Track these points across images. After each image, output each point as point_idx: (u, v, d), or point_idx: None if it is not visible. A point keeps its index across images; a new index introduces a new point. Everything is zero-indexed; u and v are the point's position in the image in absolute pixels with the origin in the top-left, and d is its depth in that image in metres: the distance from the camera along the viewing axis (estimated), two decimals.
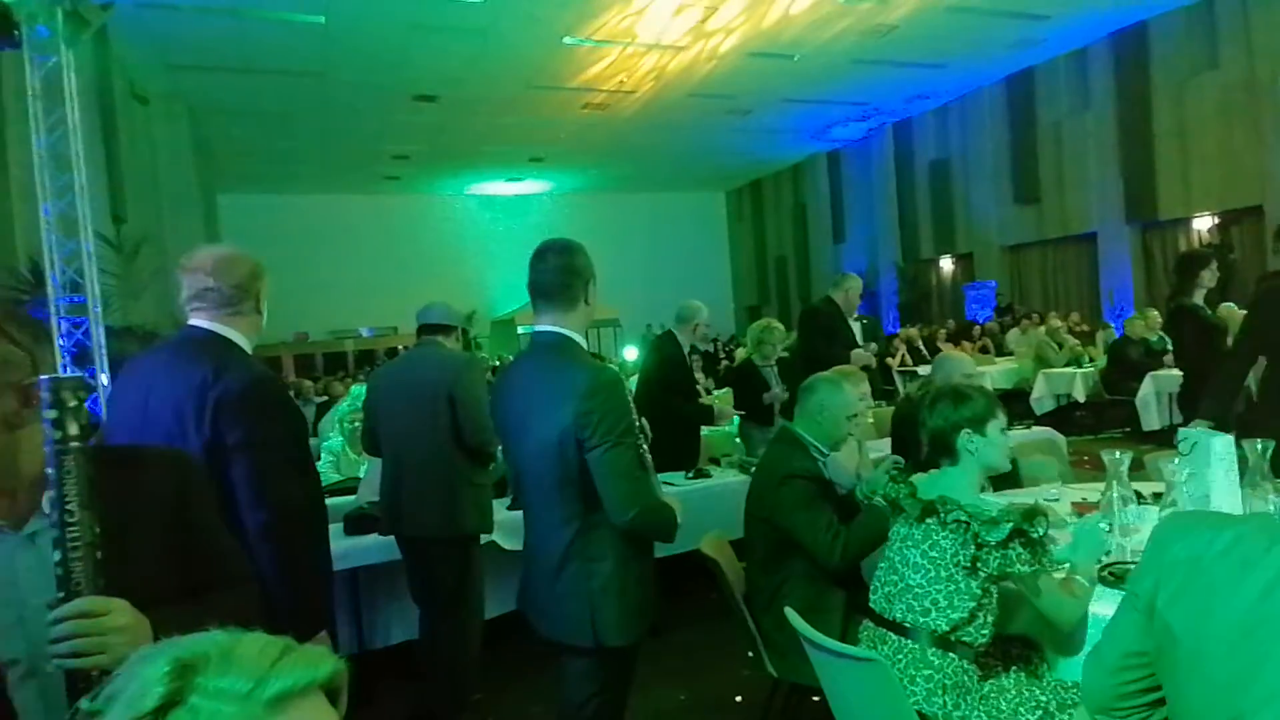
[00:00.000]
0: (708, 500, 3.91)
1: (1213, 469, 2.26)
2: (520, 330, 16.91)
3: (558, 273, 2.03)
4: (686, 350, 4.66)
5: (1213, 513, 1.38)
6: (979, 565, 1.81)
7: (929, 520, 1.91)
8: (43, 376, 1.03)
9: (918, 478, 2.06)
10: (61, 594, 1.01)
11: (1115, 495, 2.38)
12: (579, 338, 2.07)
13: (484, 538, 3.30)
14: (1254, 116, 10.05)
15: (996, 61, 12.78)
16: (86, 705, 0.57)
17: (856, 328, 5.34)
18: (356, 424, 4.13)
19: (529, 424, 2.02)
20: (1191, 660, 1.08)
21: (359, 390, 4.75)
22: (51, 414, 1.01)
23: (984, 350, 10.86)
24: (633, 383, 4.51)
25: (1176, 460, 2.38)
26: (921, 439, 2.11)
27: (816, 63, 11.77)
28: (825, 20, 10.21)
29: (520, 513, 2.23)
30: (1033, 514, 1.79)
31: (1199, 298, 4.11)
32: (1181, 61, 11.10)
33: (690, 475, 4.16)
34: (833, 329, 5.26)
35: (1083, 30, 11.67)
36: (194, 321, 1.88)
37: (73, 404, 1.02)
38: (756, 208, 21.36)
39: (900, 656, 1.90)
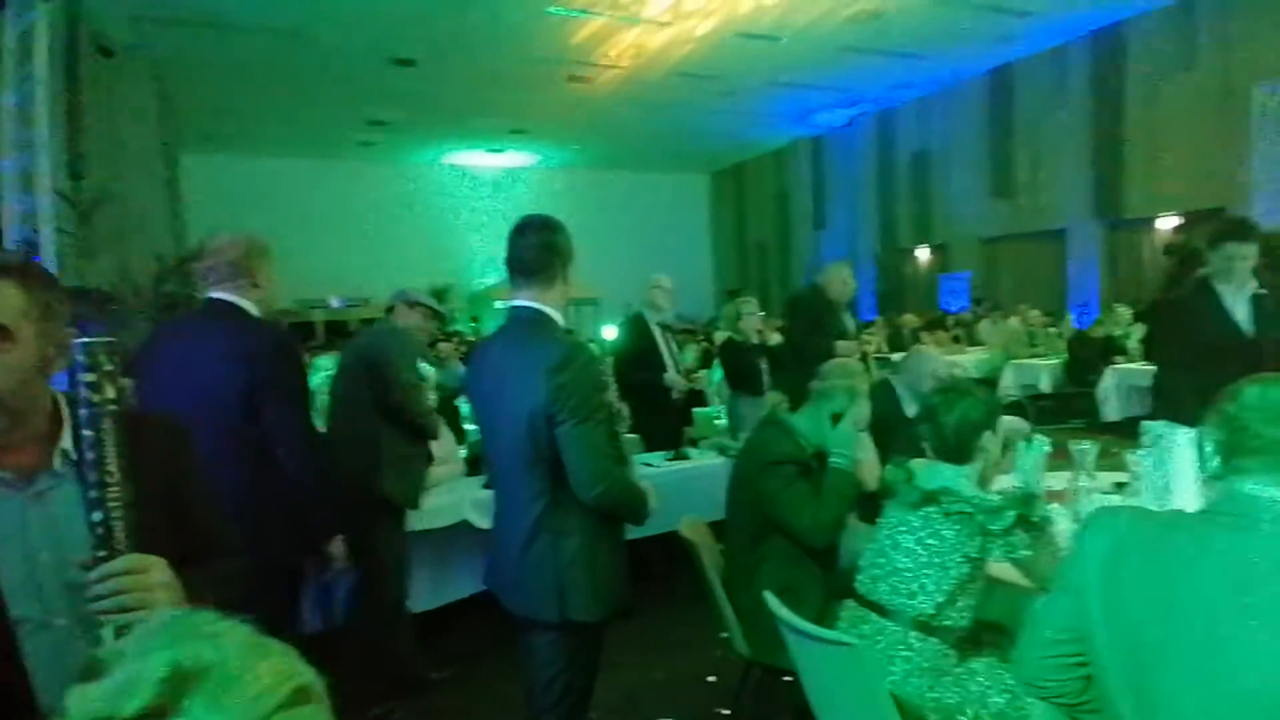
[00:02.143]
0: (687, 482, 3.96)
1: (1174, 460, 2.35)
2: (497, 305, 16.81)
3: (538, 249, 2.03)
4: (656, 326, 4.72)
5: (1140, 509, 1.48)
6: (985, 554, 1.87)
7: (929, 508, 1.94)
8: (78, 339, 1.05)
9: (916, 464, 2.08)
10: (103, 553, 1.03)
11: (1081, 485, 2.47)
12: (556, 314, 2.07)
13: (456, 519, 3.32)
14: (1225, 120, 10.26)
15: (978, 55, 12.86)
16: (97, 653, 0.57)
17: (850, 318, 5.35)
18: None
19: (501, 399, 2.03)
20: (1111, 641, 1.17)
21: (324, 362, 4.65)
22: (89, 377, 1.02)
23: (956, 340, 11.03)
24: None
25: (1140, 451, 2.48)
26: (926, 431, 2.08)
27: (803, 46, 11.75)
28: (812, 2, 10.19)
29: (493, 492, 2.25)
30: (1030, 499, 1.87)
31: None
32: (1157, 62, 11.28)
33: (670, 457, 4.21)
34: (818, 318, 5.30)
35: (1062, 27, 11.78)
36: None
37: (109, 367, 1.03)
38: (739, 191, 21.35)
39: (880, 638, 1.95)
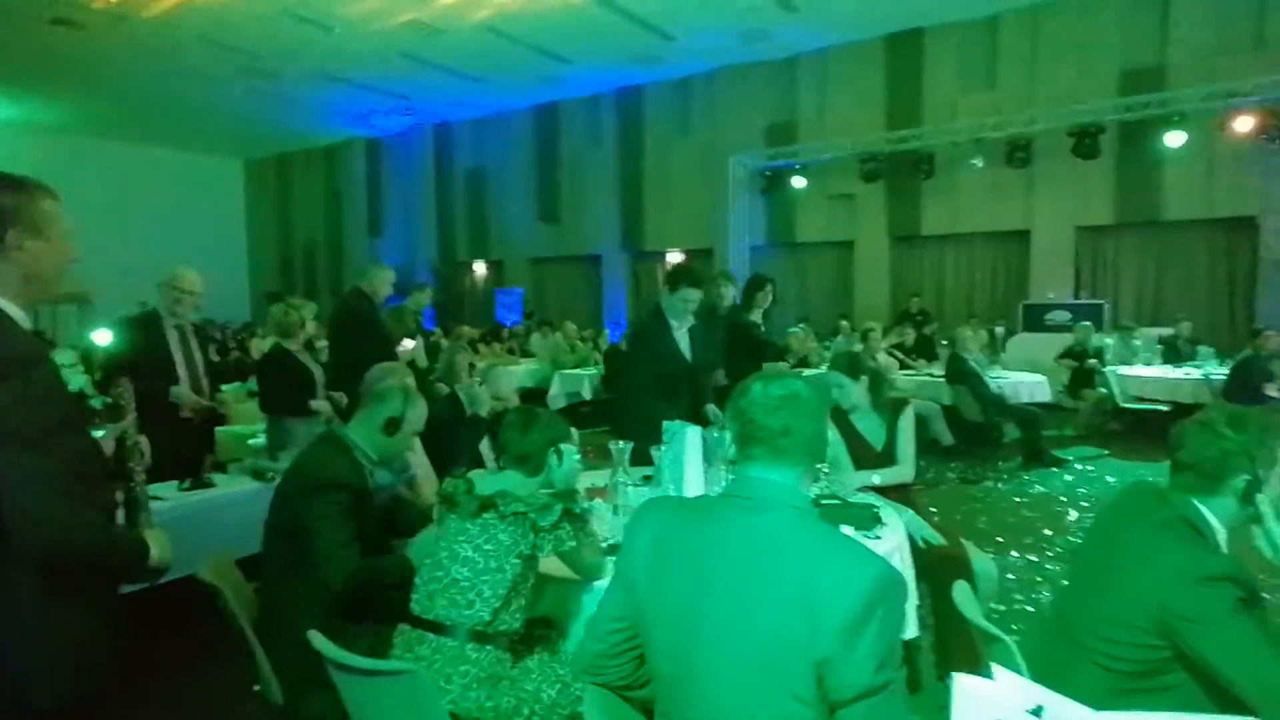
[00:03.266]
0: (210, 514, 3.38)
1: (688, 454, 2.77)
2: None
3: None
4: (174, 330, 3.98)
5: (678, 498, 1.69)
6: (536, 550, 1.93)
7: (486, 515, 1.94)
8: None
9: (477, 473, 2.09)
10: None
11: (618, 480, 2.75)
12: (13, 310, 1.53)
13: None
14: (712, 179, 12.84)
15: (528, 89, 13.93)
16: None
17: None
18: None
19: None
20: (657, 622, 1.30)
21: None
22: None
23: (511, 351, 11.67)
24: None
25: (662, 447, 2.88)
26: (502, 441, 2.16)
27: (358, 43, 11.26)
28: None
29: None
30: (572, 494, 2.02)
31: (757, 316, 4.91)
32: (665, 124, 13.70)
33: (186, 486, 3.52)
34: (367, 323, 5.04)
35: (596, 79, 13.47)
36: None
37: None
38: (283, 185, 19.45)
39: (437, 656, 1.88)
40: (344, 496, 2.30)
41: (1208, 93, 9.03)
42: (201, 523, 3.31)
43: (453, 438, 3.66)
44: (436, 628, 1.91)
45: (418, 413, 2.56)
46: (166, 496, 3.35)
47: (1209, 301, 9.94)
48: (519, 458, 2.12)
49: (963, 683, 0.98)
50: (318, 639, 1.78)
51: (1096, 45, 10.02)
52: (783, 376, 1.38)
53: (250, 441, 4.50)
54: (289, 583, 2.30)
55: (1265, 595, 3.61)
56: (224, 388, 4.63)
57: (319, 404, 4.33)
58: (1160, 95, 9.37)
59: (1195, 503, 1.56)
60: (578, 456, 2.29)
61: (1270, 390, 6.38)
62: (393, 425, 2.49)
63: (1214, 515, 1.54)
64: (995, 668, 1.02)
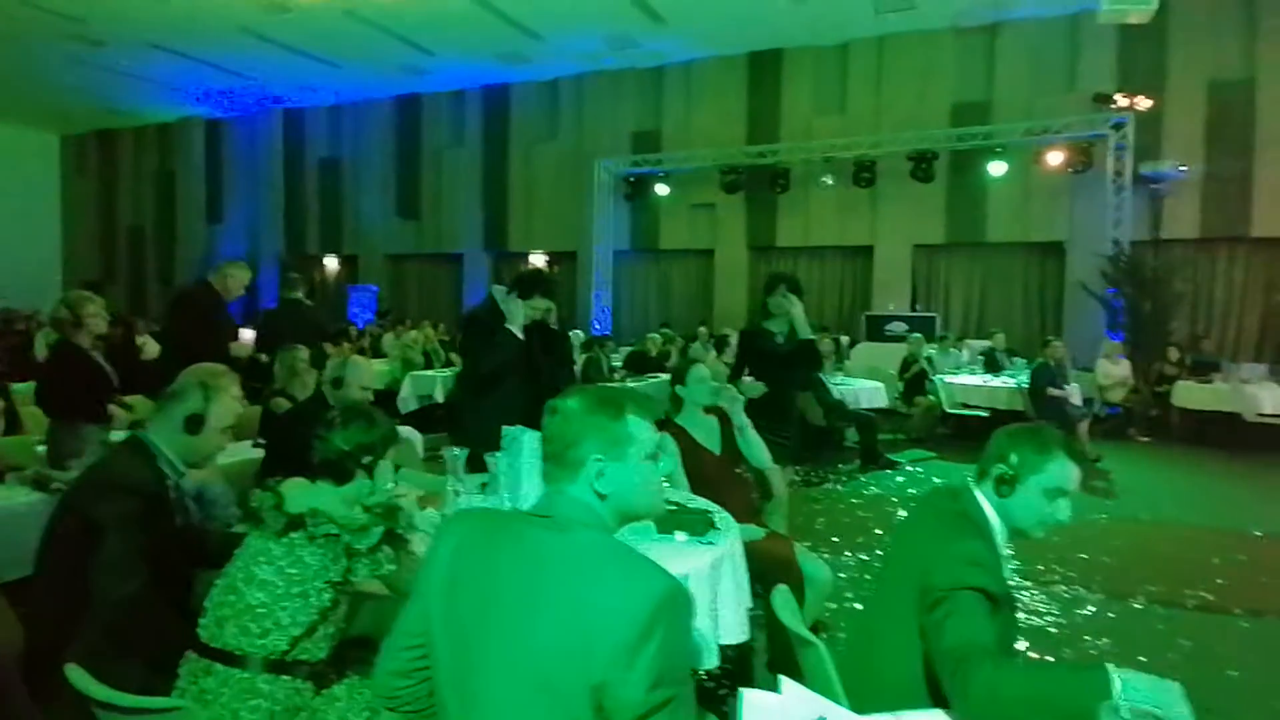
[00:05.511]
0: None
1: (524, 459, 2.69)
2: None
3: None
4: None
5: (486, 509, 1.59)
6: (350, 576, 1.76)
7: (294, 535, 1.76)
8: None
9: (290, 484, 1.87)
10: None
11: (450, 487, 2.64)
12: None
13: None
14: (577, 183, 12.81)
15: (389, 79, 13.34)
16: None
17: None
18: None
19: None
20: (445, 640, 1.22)
21: None
22: None
23: (361, 352, 11.10)
24: None
25: (498, 453, 2.78)
26: (316, 446, 1.95)
27: (196, 16, 10.36)
28: None
29: None
30: (394, 512, 1.84)
31: (777, 325, 4.34)
32: (531, 126, 13.54)
33: None
34: (210, 318, 4.75)
35: (462, 75, 13.11)
36: None
37: None
38: (106, 164, 17.58)
39: (225, 689, 1.69)
40: (134, 501, 2.03)
41: (1025, 127, 10.01)
42: None
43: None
44: (226, 657, 1.72)
45: (224, 407, 2.29)
46: None
47: (1024, 317, 11.03)
48: (325, 463, 1.93)
49: (750, 697, 0.97)
50: (75, 673, 1.56)
51: (933, 78, 10.86)
52: (580, 390, 1.34)
53: (39, 448, 3.97)
54: (62, 602, 2.01)
55: (1065, 589, 3.96)
56: (14, 387, 4.08)
57: (116, 408, 3.88)
58: (985, 128, 10.29)
59: (977, 497, 1.67)
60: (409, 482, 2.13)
61: (1054, 391, 7.13)
62: (194, 423, 2.22)
63: (994, 511, 1.66)
64: (783, 680, 1.01)
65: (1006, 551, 1.66)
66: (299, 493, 1.88)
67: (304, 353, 4.21)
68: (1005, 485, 1.63)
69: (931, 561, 1.52)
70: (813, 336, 4.13)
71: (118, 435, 3.71)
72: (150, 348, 6.46)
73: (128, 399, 4.08)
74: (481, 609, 1.17)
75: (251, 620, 1.71)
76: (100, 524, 1.95)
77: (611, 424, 1.27)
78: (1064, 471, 1.62)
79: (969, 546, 1.53)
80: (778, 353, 4.09)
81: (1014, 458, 1.63)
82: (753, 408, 3.48)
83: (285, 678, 1.72)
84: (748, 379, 4.12)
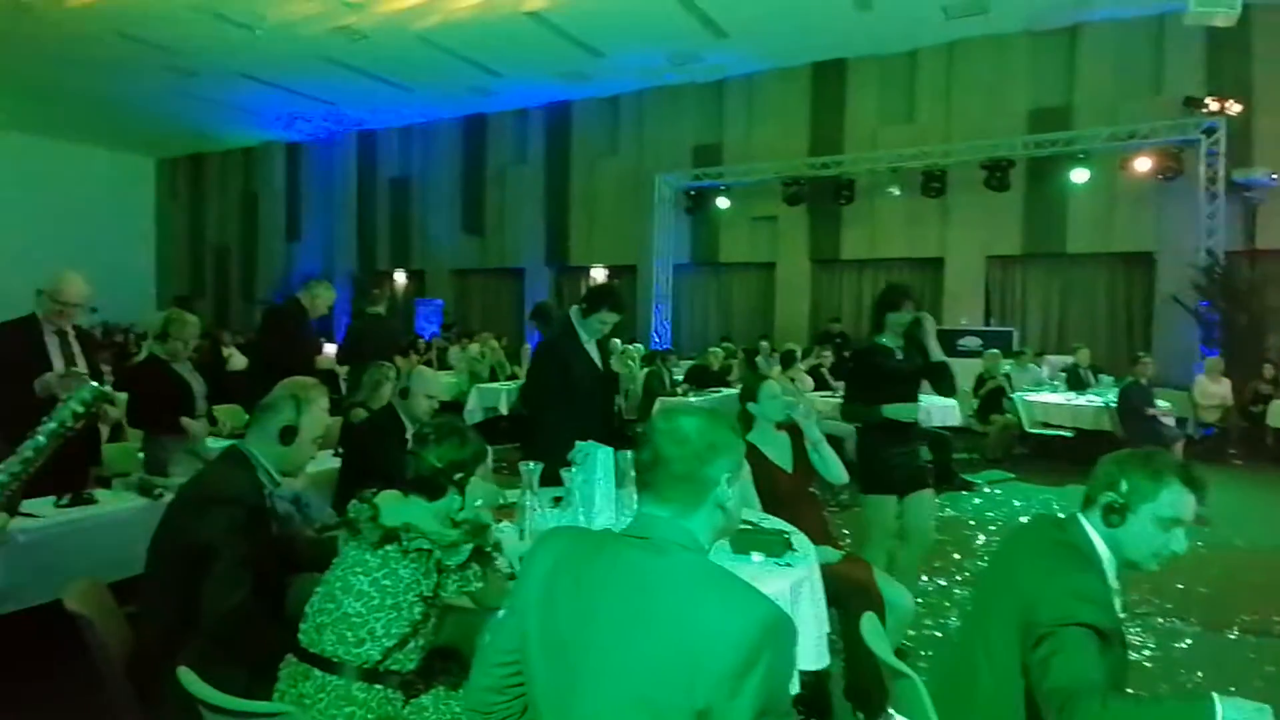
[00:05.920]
0: (90, 534, 3.11)
1: (598, 475, 2.70)
2: None
3: None
4: (54, 335, 3.68)
5: (579, 529, 1.59)
6: (440, 591, 1.79)
7: (389, 547, 1.80)
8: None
9: (384, 497, 1.91)
10: None
11: (526, 501, 2.65)
12: None
13: None
14: (638, 198, 12.87)
15: (457, 100, 13.72)
16: None
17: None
18: None
19: None
20: (542, 657, 1.22)
21: None
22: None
23: (428, 364, 11.37)
24: None
25: (572, 469, 2.79)
26: (410, 462, 2.00)
27: (281, 45, 10.87)
28: (294, 2, 9.52)
29: None
30: (483, 529, 1.86)
31: (891, 340, 3.92)
32: (593, 142, 13.70)
33: (64, 502, 3.24)
34: (298, 333, 4.93)
35: (525, 94, 13.38)
36: None
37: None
38: (196, 186, 18.55)
39: (322, 695, 1.73)
40: (238, 512, 2.12)
41: (1109, 133, 9.62)
42: (78, 543, 3.04)
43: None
44: (324, 663, 1.77)
45: (314, 418, 2.37)
46: (40, 513, 3.06)
47: (1108, 331, 10.53)
48: (418, 479, 1.96)
49: None
50: (187, 676, 1.63)
51: (1007, 84, 10.54)
52: (679, 409, 1.34)
53: (139, 455, 4.19)
54: (170, 608, 2.10)
55: (1161, 621, 3.76)
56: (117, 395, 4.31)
57: (191, 422, 4.02)
58: (1066, 134, 9.93)
59: (1085, 527, 1.60)
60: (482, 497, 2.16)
61: (1150, 411, 6.77)
62: (288, 434, 2.30)
63: (1104, 542, 1.58)
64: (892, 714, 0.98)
65: (1116, 585, 1.58)
66: (393, 506, 1.92)
67: (391, 370, 4.32)
68: (1115, 514, 1.55)
69: (1036, 595, 1.45)
70: (945, 359, 3.70)
71: (210, 446, 3.89)
72: (236, 359, 6.77)
73: (217, 409, 4.26)
74: (581, 627, 1.17)
75: (348, 629, 1.76)
76: (207, 539, 2.02)
77: (738, 443, 1.28)
78: (1179, 500, 1.53)
79: (1077, 580, 1.46)
80: (900, 371, 3.65)
81: (1124, 485, 1.55)
82: (880, 430, 3.45)
83: (378, 687, 1.75)
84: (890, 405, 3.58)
